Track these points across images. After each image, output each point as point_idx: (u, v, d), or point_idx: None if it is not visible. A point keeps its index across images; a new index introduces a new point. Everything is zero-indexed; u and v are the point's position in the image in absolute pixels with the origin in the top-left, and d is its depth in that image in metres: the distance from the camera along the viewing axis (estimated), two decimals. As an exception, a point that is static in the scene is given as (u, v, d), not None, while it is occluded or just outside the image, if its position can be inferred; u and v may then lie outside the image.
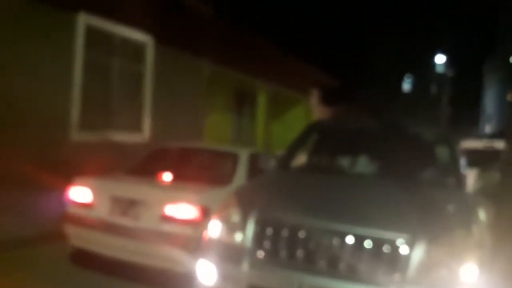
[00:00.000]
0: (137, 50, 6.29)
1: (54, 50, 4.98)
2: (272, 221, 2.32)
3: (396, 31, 37.63)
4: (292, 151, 3.64)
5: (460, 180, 3.00)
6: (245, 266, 2.25)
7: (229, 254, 2.36)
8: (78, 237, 3.53)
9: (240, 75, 9.07)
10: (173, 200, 3.09)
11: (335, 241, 2.16)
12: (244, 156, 3.96)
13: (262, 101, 10.78)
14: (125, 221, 3.27)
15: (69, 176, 4.91)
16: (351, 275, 2.10)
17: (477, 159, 7.75)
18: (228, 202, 2.60)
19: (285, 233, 2.25)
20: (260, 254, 2.28)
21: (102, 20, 5.55)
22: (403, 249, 2.08)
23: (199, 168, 4.19)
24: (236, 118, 10.50)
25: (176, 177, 3.74)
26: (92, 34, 5.43)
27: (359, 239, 2.13)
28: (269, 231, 2.30)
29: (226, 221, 2.47)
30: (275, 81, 10.59)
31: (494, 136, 13.84)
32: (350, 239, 2.14)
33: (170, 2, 6.38)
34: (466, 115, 48.24)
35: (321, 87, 13.94)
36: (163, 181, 3.76)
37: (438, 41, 41.46)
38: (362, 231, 2.15)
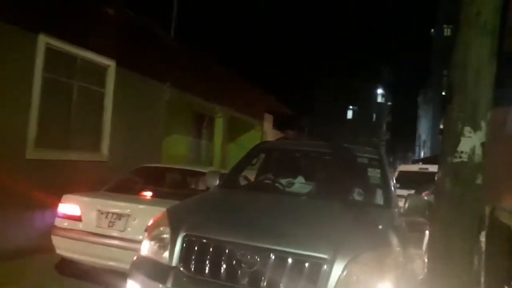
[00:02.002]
0: (98, 72, 6.33)
1: (13, 69, 4.91)
2: (198, 239, 2.32)
3: (340, 66, 40.49)
4: (236, 170, 3.79)
5: (389, 201, 3.10)
6: (169, 285, 2.23)
7: (156, 272, 2.34)
8: (66, 248, 3.91)
9: (199, 99, 9.30)
10: (155, 212, 3.34)
11: (257, 259, 2.17)
12: (210, 173, 4.26)
13: (219, 124, 11.07)
14: (111, 233, 3.68)
15: (25, 193, 4.82)
16: None
17: (413, 181, 8.44)
18: (158, 221, 2.60)
19: (209, 251, 2.26)
20: (185, 272, 2.27)
21: (63, 42, 5.56)
22: (323, 268, 2.09)
23: (175, 185, 4.82)
24: (194, 139, 10.64)
25: (156, 193, 4.14)
26: (52, 55, 5.41)
27: (281, 258, 2.15)
28: (194, 249, 2.30)
29: (155, 239, 2.48)
30: (232, 106, 10.98)
31: (427, 160, 15.07)
32: (271, 257, 2.16)
33: (131, 27, 6.52)
34: (403, 140, 51.91)
35: (275, 113, 14.55)
36: (144, 197, 4.12)
37: (379, 74, 44.77)
38: (284, 249, 2.17)
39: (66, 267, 4.21)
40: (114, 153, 6.49)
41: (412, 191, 8.01)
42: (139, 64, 7.02)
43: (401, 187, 8.34)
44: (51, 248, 4.03)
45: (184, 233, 2.36)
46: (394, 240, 2.32)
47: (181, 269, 2.28)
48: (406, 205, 3.00)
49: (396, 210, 3.04)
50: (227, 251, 2.23)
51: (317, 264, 2.11)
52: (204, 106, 10.02)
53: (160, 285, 2.25)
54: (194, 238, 2.33)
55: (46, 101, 5.35)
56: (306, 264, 2.12)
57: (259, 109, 13.19)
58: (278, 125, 15.94)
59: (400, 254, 2.34)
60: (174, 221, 2.49)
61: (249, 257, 2.18)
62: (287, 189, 3.56)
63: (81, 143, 6.00)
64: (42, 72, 5.27)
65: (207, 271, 2.23)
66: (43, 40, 5.25)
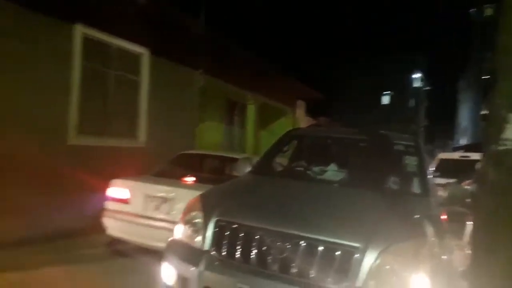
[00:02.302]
0: (133, 60, 6.47)
1: (53, 59, 5.12)
2: (229, 224, 2.35)
3: (377, 51, 39.17)
4: (267, 157, 3.81)
5: (426, 189, 3.00)
6: (201, 268, 2.27)
7: (188, 256, 2.40)
8: (115, 229, 4.23)
9: (231, 86, 9.34)
10: None
11: (288, 246, 2.17)
12: (242, 160, 4.54)
13: (251, 111, 11.09)
14: (157, 215, 3.95)
15: (68, 178, 5.07)
16: (301, 280, 2.11)
17: (453, 169, 8.09)
18: (192, 206, 2.66)
19: (241, 236, 2.29)
20: (217, 256, 2.32)
21: (99, 31, 5.71)
22: (355, 257, 2.07)
23: (213, 170, 5.18)
24: (227, 126, 10.74)
25: (196, 178, 4.38)
26: (89, 44, 5.59)
27: (312, 245, 2.14)
28: (226, 234, 2.34)
29: (188, 224, 2.54)
30: (264, 93, 10.94)
31: (469, 148, 14.43)
32: (302, 245, 2.15)
33: (164, 17, 6.60)
34: (442, 127, 49.83)
35: (307, 100, 14.36)
36: (186, 182, 4.34)
37: (416, 58, 42.97)
38: (315, 237, 2.16)
39: (116, 246, 4.52)
40: (150, 139, 6.66)
41: (452, 180, 7.71)
42: (172, 52, 7.12)
43: (441, 176, 8.04)
44: (92, 230, 4.35)
45: (216, 218, 2.40)
46: (430, 230, 2.25)
47: (213, 253, 2.34)
48: (445, 194, 2.90)
49: (434, 199, 2.94)
50: (257, 237, 2.25)
51: (348, 252, 2.09)
52: (236, 93, 10.05)
53: (193, 268, 2.30)
54: (225, 223, 2.37)
55: (85, 89, 5.55)
56: (337, 253, 2.10)
57: (291, 95, 13.06)
58: (311, 111, 15.74)
59: (436, 245, 2.27)
60: (207, 206, 2.54)
61: (279, 243, 2.19)
62: (318, 177, 3.51)
63: (119, 129, 6.20)
64: (81, 61, 5.46)
65: (238, 255, 2.27)
66: (79, 30, 5.42)
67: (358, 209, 2.58)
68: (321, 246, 2.13)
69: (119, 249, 4.48)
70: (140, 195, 4.09)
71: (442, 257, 2.55)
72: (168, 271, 2.47)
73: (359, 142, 3.97)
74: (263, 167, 3.59)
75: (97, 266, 4.00)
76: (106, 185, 4.55)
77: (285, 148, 3.93)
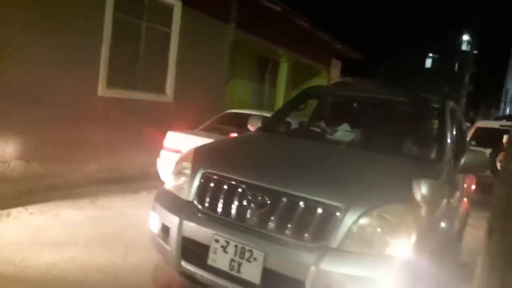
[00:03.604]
0: (165, 12, 6.34)
1: (86, 9, 5.08)
2: (215, 177, 2.35)
3: (422, 9, 36.31)
4: (278, 114, 3.73)
5: (441, 154, 2.82)
6: (182, 218, 2.30)
7: (172, 206, 2.43)
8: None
9: (263, 42, 9.05)
10: None
11: (267, 201, 2.14)
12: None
13: (283, 69, 10.79)
14: None
15: (99, 129, 5.23)
16: (277, 236, 2.08)
17: (491, 139, 7.69)
18: (184, 157, 2.68)
19: (224, 189, 2.29)
20: (199, 208, 2.34)
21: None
22: (334, 217, 2.01)
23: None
24: (257, 84, 10.56)
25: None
26: (121, -6, 5.50)
27: (291, 202, 2.11)
28: (210, 186, 2.34)
29: (178, 174, 2.57)
30: (297, 50, 10.53)
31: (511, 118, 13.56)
32: (282, 200, 2.12)
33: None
34: (487, 95, 46.89)
35: (344, 59, 13.79)
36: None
37: (466, 19, 39.84)
38: (295, 193, 2.12)
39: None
40: (178, 94, 6.66)
41: (489, 150, 7.38)
42: (204, 3, 6.91)
43: (477, 145, 7.70)
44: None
45: (203, 170, 2.41)
46: (429, 195, 2.08)
47: (196, 204, 2.36)
48: (462, 161, 2.73)
49: (449, 165, 2.77)
50: (239, 190, 2.24)
51: (328, 212, 2.04)
52: (268, 50, 9.76)
53: (174, 218, 2.34)
54: (211, 175, 2.38)
55: (116, 41, 5.53)
56: (317, 211, 2.05)
57: (327, 54, 12.53)
58: (348, 72, 15.18)
59: (434, 211, 2.16)
60: (198, 158, 2.56)
61: (259, 198, 2.17)
62: (328, 137, 3.41)
63: (147, 83, 6.22)
64: (113, 12, 5.41)
65: (219, 208, 2.27)
66: (112, -21, 5.32)
67: (353, 170, 2.50)
68: (301, 203, 2.09)
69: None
70: (190, 147, 4.34)
71: (441, 225, 2.43)
72: (154, 219, 2.53)
73: (378, 103, 3.75)
74: (272, 125, 3.53)
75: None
76: (132, 137, 4.72)
77: (300, 107, 3.79)
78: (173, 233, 2.32)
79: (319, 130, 3.49)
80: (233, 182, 2.28)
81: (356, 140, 3.25)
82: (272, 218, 2.12)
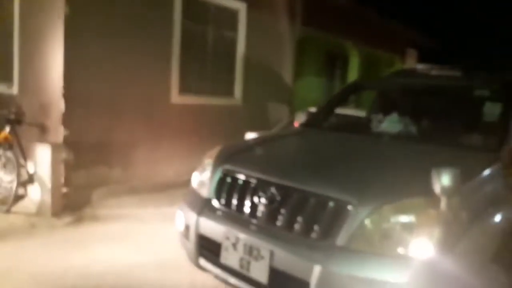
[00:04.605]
0: (230, 17, 6.42)
1: (156, 19, 5.32)
2: (232, 173, 2.33)
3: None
4: (324, 109, 3.56)
5: (494, 143, 2.37)
6: (200, 215, 2.31)
7: (194, 203, 2.44)
8: None
9: (331, 38, 8.77)
10: None
11: (278, 196, 2.06)
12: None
13: (354, 63, 10.36)
14: None
15: (173, 134, 5.44)
16: (285, 234, 1.99)
17: None
18: (209, 154, 2.66)
19: (239, 186, 2.26)
20: (216, 205, 2.32)
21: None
22: (344, 213, 1.84)
23: None
24: (327, 81, 10.27)
25: None
26: (188, 2, 5.65)
27: (302, 198, 2.00)
28: (227, 183, 2.33)
29: (201, 171, 2.57)
30: (368, 42, 10.02)
31: None
32: (293, 197, 2.03)
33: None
34: None
35: (419, 47, 12.85)
36: None
37: None
38: (306, 189, 2.01)
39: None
40: (247, 97, 6.69)
41: None
42: (269, 4, 6.86)
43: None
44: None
45: (223, 167, 2.41)
46: (452, 187, 1.73)
47: (213, 201, 2.36)
48: None
49: (506, 156, 2.29)
50: (252, 186, 2.20)
51: (338, 207, 1.88)
52: (337, 44, 9.43)
53: (193, 215, 2.35)
54: (228, 172, 2.37)
55: (185, 48, 5.71)
56: (326, 207, 1.92)
57: (400, 44, 11.77)
58: (427, 61, 14.06)
59: (466, 208, 1.85)
60: (221, 156, 2.54)
61: (269, 193, 2.10)
62: (374, 129, 3.17)
63: (216, 88, 6.33)
64: (181, 21, 5.59)
65: (233, 205, 2.25)
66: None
67: (380, 164, 2.29)
68: (310, 198, 1.98)
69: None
70: None
71: (488, 223, 1.94)
72: (179, 217, 2.54)
73: (436, 89, 3.34)
74: (315, 120, 3.38)
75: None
76: (204, 141, 4.79)
77: (348, 100, 3.67)
78: (192, 230, 2.34)
79: (365, 122, 3.32)
80: (247, 178, 2.25)
81: (403, 131, 3.01)
82: (281, 214, 2.04)
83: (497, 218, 2.00)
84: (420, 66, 3.72)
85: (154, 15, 5.27)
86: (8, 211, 4.34)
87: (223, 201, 2.32)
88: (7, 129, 4.66)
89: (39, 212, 4.39)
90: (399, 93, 3.66)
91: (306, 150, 2.73)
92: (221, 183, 2.37)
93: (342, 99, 3.70)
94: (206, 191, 2.44)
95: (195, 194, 2.54)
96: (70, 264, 3.12)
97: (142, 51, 5.15)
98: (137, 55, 5.10)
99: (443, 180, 1.70)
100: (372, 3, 8.90)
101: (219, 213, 2.30)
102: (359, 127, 3.28)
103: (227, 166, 2.40)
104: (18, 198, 4.52)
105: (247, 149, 2.77)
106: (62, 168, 4.48)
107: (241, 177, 2.29)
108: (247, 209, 2.19)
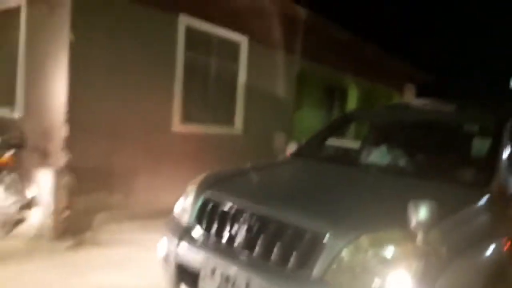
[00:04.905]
0: (232, 49, 6.64)
1: (160, 50, 5.49)
2: (213, 201, 2.33)
3: (504, 24, 33.53)
4: (313, 139, 3.58)
5: (484, 179, 2.32)
6: (180, 243, 2.29)
7: (173, 230, 2.43)
8: None
9: (330, 71, 9.01)
10: None
11: (255, 226, 2.05)
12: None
13: (353, 96, 10.58)
14: None
15: (174, 162, 5.49)
16: (262, 263, 1.96)
17: None
18: (194, 181, 2.67)
19: (218, 213, 2.25)
20: (196, 233, 2.31)
21: (200, 20, 5.96)
22: (319, 245, 1.81)
23: None
24: (326, 112, 10.44)
25: None
26: (191, 34, 5.86)
27: (278, 228, 1.98)
28: (207, 210, 2.32)
29: (184, 198, 2.58)
30: (367, 77, 10.30)
31: None
32: (269, 227, 2.00)
33: (263, 2, 6.61)
34: None
35: (416, 81, 13.17)
36: None
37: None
38: (282, 220, 1.99)
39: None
40: (247, 126, 6.81)
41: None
42: (269, 38, 7.11)
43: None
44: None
45: (205, 194, 2.41)
46: (428, 221, 1.68)
47: (193, 229, 2.35)
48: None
49: (498, 193, 2.28)
50: (231, 214, 2.19)
51: (314, 238, 1.85)
52: (336, 78, 9.67)
53: (173, 242, 2.34)
54: (210, 199, 2.36)
55: (187, 78, 5.87)
56: (302, 238, 1.89)
57: (399, 78, 12.07)
58: (424, 95, 14.34)
59: (448, 243, 1.77)
60: (204, 182, 2.56)
61: (247, 222, 2.09)
62: (362, 161, 3.21)
63: (218, 117, 6.45)
64: (184, 51, 5.78)
65: (212, 233, 2.24)
66: (183, 20, 5.70)
67: (361, 196, 2.28)
68: (286, 229, 1.95)
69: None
70: None
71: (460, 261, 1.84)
72: (161, 244, 2.53)
73: (427, 122, 3.40)
74: (306, 150, 3.42)
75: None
76: (206, 169, 4.80)
77: (339, 131, 3.74)
78: (171, 257, 2.33)
79: (354, 153, 3.36)
80: (226, 206, 2.25)
81: (392, 163, 3.02)
82: (258, 243, 2.01)
83: (484, 255, 1.97)
84: (417, 100, 3.81)
85: (158, 44, 5.45)
86: (8, 234, 4.34)
87: (202, 228, 2.31)
88: (10, 153, 4.73)
89: (39, 235, 4.36)
90: (390, 126, 3.72)
91: (288, 180, 2.76)
92: (202, 210, 2.37)
93: (333, 130, 3.74)
94: (187, 218, 2.44)
95: (176, 221, 2.55)
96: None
97: (145, 80, 5.29)
98: (140, 84, 5.23)
99: (419, 213, 1.67)
100: (371, 39, 9.21)
101: (198, 241, 2.28)
102: (348, 158, 3.35)
103: (209, 194, 2.41)
104: (19, 221, 4.51)
105: (231, 177, 2.76)
106: (63, 193, 4.51)
107: (221, 204, 2.28)
108: (225, 237, 2.17)
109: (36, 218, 4.51)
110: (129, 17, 5.09)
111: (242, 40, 6.70)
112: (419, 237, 1.67)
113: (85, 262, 3.67)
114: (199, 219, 2.36)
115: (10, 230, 4.36)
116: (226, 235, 2.17)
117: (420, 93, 14.13)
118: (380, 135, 3.73)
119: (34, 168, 4.68)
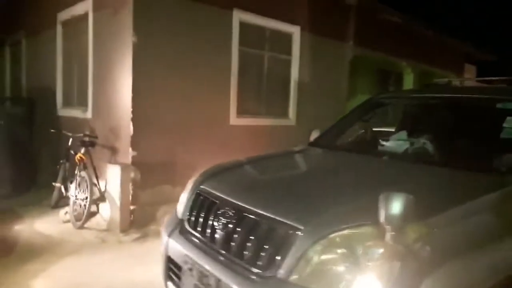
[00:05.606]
0: (284, 40, 6.62)
1: (216, 46, 5.60)
2: (203, 194, 2.25)
3: None
4: (334, 128, 3.36)
5: (502, 164, 2.05)
6: (172, 236, 2.25)
7: (168, 225, 2.40)
8: None
9: (384, 56, 8.69)
10: None
11: (233, 219, 1.91)
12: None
13: (408, 81, 10.13)
14: None
15: (231, 154, 5.60)
16: (235, 261, 1.81)
17: None
18: (194, 176, 2.58)
19: (204, 206, 2.16)
20: (185, 227, 2.25)
21: (253, 15, 5.98)
22: (292, 240, 1.62)
23: None
24: (381, 100, 10.13)
25: None
26: (245, 29, 5.91)
27: (254, 222, 1.82)
28: (197, 204, 2.25)
29: (184, 192, 2.52)
30: (422, 59, 9.82)
31: None
32: (246, 220, 1.85)
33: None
34: None
35: (478, 62, 12.36)
36: None
37: None
38: (259, 211, 1.83)
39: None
40: (300, 117, 6.80)
41: None
42: (321, 26, 6.98)
43: None
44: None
45: (198, 188, 2.34)
46: (401, 216, 1.42)
47: (185, 222, 2.30)
48: None
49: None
50: (214, 207, 2.09)
51: (284, 234, 1.68)
52: (390, 62, 9.30)
53: (165, 237, 2.32)
54: (202, 193, 2.29)
55: (242, 72, 5.95)
56: (275, 233, 1.72)
57: (457, 59, 11.39)
58: (484, 75, 13.42)
59: (440, 243, 1.51)
60: (202, 176, 2.47)
61: (226, 215, 1.97)
62: (379, 148, 2.94)
63: (272, 109, 6.52)
64: (238, 46, 5.85)
65: (198, 227, 2.16)
66: (236, 15, 5.76)
67: (351, 187, 2.03)
68: (261, 222, 1.80)
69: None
70: None
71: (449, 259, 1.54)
72: (161, 240, 2.51)
73: (459, 104, 3.03)
74: (324, 139, 3.20)
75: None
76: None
77: (365, 117, 3.38)
78: (163, 252, 2.31)
79: (374, 141, 3.09)
80: (213, 199, 2.15)
81: (409, 150, 2.74)
82: (234, 239, 1.87)
83: (493, 256, 1.63)
84: (462, 81, 3.47)
85: (214, 40, 5.56)
86: (82, 226, 4.69)
87: (192, 223, 2.23)
88: (82, 150, 5.08)
89: (109, 228, 4.69)
90: (417, 108, 3.40)
91: (280, 172, 2.61)
92: (194, 204, 2.29)
93: (359, 115, 3.41)
94: (181, 213, 2.39)
95: (172, 215, 2.52)
96: (135, 279, 3.31)
97: (203, 76, 5.44)
98: (198, 80, 5.39)
99: (391, 207, 1.41)
100: (427, 19, 8.74)
101: (186, 235, 2.20)
102: (367, 146, 3.04)
103: (202, 186, 2.32)
104: (90, 214, 4.86)
105: (230, 169, 2.63)
106: (130, 187, 4.78)
107: (209, 198, 2.18)
108: (208, 232, 2.05)
109: (107, 211, 4.83)
110: (186, 15, 5.23)
111: (294, 30, 6.63)
112: (388, 235, 1.43)
113: (149, 254, 3.88)
114: (190, 213, 2.29)
115: (84, 223, 4.70)
116: (209, 230, 2.07)
117: (481, 75, 13.26)
118: (406, 119, 3.45)
119: (104, 164, 4.99)
